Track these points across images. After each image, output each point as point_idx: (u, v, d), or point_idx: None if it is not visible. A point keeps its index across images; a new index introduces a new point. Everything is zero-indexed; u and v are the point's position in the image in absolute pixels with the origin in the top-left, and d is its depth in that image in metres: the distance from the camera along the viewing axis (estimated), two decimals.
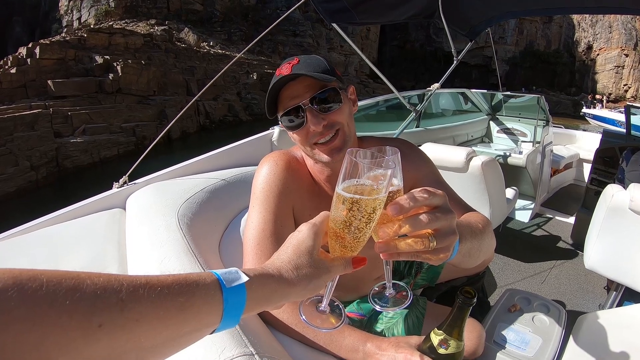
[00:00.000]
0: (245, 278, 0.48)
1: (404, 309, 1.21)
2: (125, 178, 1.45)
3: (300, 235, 0.59)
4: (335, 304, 0.66)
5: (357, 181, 0.56)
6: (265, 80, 20.61)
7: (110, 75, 16.07)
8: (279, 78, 0.88)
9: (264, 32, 2.02)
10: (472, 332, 1.15)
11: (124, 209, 1.34)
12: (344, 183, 0.57)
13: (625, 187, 1.75)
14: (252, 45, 2.00)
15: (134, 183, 1.45)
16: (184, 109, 1.88)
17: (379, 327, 1.18)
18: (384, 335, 1.15)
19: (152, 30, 20.98)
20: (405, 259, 0.61)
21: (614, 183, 1.90)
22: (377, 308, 0.69)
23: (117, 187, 1.43)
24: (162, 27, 21.45)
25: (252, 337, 0.72)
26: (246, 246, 0.94)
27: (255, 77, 20.80)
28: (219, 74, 2.03)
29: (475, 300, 0.74)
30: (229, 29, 25.35)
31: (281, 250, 0.58)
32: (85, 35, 17.49)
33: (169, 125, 1.84)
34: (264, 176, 0.99)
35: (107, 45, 17.62)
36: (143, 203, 1.26)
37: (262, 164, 1.02)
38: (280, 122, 0.97)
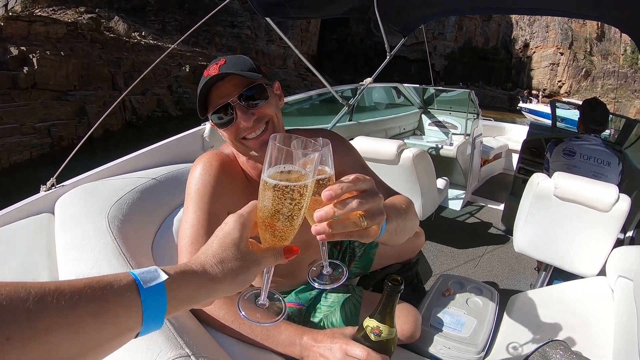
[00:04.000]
0: (164, 277, 0.46)
1: (341, 285, 1.32)
2: (52, 180, 1.40)
3: (226, 228, 0.58)
4: (275, 296, 0.66)
5: (283, 167, 0.57)
6: (198, 73, 20.00)
7: (25, 69, 14.74)
8: (208, 79, 0.95)
9: (199, 23, 2.03)
10: (408, 317, 1.27)
11: (53, 213, 1.31)
12: (269, 170, 0.57)
13: (550, 176, 1.95)
14: (187, 36, 1.99)
15: (62, 185, 1.41)
16: (113, 105, 1.83)
17: (318, 316, 1.26)
18: (323, 325, 1.23)
19: (79, 18, 19.56)
20: (340, 239, 0.67)
21: (540, 172, 2.13)
22: (317, 286, 0.75)
23: (45, 191, 1.38)
24: (90, 15, 20.06)
25: (188, 338, 0.74)
26: (180, 246, 0.97)
27: (188, 70, 20.06)
28: (151, 66, 2.00)
29: (402, 287, 0.81)
30: (164, 18, 24.32)
31: (207, 245, 0.57)
32: (2, 23, 15.91)
33: (100, 121, 1.79)
34: (198, 177, 1.02)
35: (26, 34, 16.07)
36: (72, 206, 1.25)
37: (196, 164, 1.06)
38: (210, 121, 1.03)
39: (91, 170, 1.51)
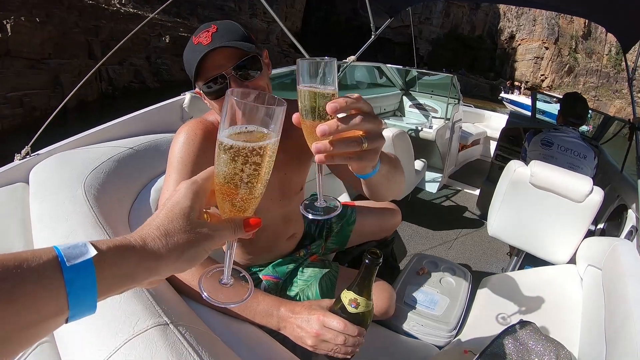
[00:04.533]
0: (92, 252, 0.39)
1: (317, 260, 1.34)
2: (27, 149, 1.36)
3: (176, 196, 0.51)
4: (241, 274, 0.62)
5: (245, 127, 0.51)
6: (179, 43, 19.28)
7: None
8: (200, 47, 0.92)
9: None
10: (382, 293, 1.31)
11: (27, 182, 1.28)
12: (227, 129, 0.51)
13: (527, 164, 2.00)
14: (169, 6, 1.93)
15: (37, 154, 1.37)
16: (87, 75, 1.78)
17: (294, 289, 1.28)
18: (299, 299, 1.25)
19: None
20: (339, 162, 0.63)
21: (518, 159, 2.19)
22: (310, 217, 0.72)
23: (19, 160, 1.35)
24: None
25: (166, 307, 0.75)
26: None
27: (167, 41, 19.41)
28: (130, 34, 1.94)
29: (381, 260, 0.84)
30: None
31: (153, 216, 0.50)
32: None
33: (74, 91, 1.74)
34: (181, 145, 1.00)
35: None
36: (47, 175, 1.22)
37: (179, 132, 1.04)
38: (198, 90, 1.01)
39: (67, 139, 1.47)
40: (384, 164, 0.81)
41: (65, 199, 1.04)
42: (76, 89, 1.76)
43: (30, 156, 1.36)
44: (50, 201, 1.05)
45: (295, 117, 0.64)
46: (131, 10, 20.18)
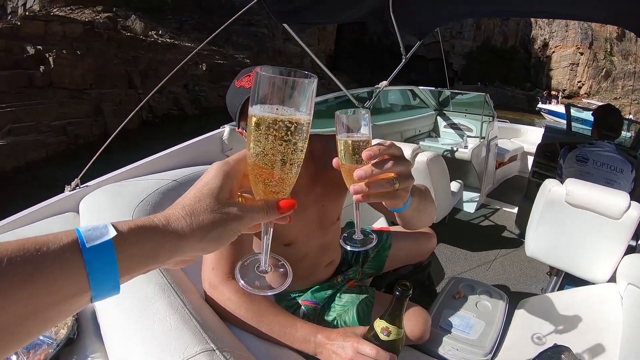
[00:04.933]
0: (112, 233, 0.40)
1: (355, 286, 1.39)
2: (77, 181, 1.47)
3: (206, 176, 0.51)
4: (281, 262, 0.60)
5: (276, 108, 0.49)
6: (215, 70, 20.09)
7: (42, 68, 15.04)
8: (248, 92, 1.00)
9: (226, 23, 2.09)
10: (418, 318, 1.32)
11: (77, 212, 1.36)
12: (258, 105, 0.49)
13: (562, 182, 1.97)
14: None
15: (86, 186, 1.47)
16: (135, 109, 1.91)
17: (332, 315, 1.33)
18: (336, 324, 1.30)
19: (96, 17, 19.93)
20: (375, 200, 0.72)
21: (554, 177, 2.15)
22: (348, 248, 0.80)
23: (69, 191, 1.45)
24: (107, 14, 20.41)
25: (212, 334, 0.79)
26: None
27: (204, 68, 20.25)
28: (177, 67, 2.05)
29: (410, 292, 0.89)
30: (181, 17, 24.60)
31: (182, 196, 0.50)
32: (19, 23, 16.12)
33: (121, 126, 1.86)
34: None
35: (42, 34, 16.25)
36: (97, 207, 1.30)
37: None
38: (240, 130, 1.09)
39: (114, 172, 1.58)
40: (415, 197, 0.87)
41: None
42: (122, 125, 1.86)
43: (80, 187, 1.47)
44: None
45: (335, 161, 0.75)
46: (168, 40, 21.19)
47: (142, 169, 1.64)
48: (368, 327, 0.96)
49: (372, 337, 0.92)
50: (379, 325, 0.92)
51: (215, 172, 0.51)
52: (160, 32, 21.59)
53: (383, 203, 0.78)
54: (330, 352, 0.93)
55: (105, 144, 1.64)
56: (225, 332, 0.90)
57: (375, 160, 0.68)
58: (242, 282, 0.55)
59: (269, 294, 0.57)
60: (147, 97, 2.07)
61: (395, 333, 0.91)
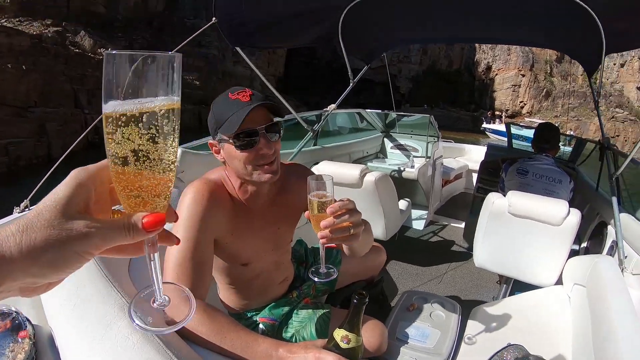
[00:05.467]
0: None
1: (311, 303, 1.48)
2: (26, 202, 1.42)
3: (58, 185, 0.43)
4: (181, 289, 0.53)
5: (136, 99, 0.41)
6: None
7: None
8: (247, 104, 1.06)
9: (181, 44, 2.08)
10: (374, 330, 1.37)
11: None
12: (112, 101, 0.42)
13: (505, 195, 2.09)
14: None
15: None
16: (92, 123, 1.84)
17: (290, 331, 1.37)
18: (295, 339, 1.34)
19: (44, 31, 18.98)
20: (336, 242, 0.98)
21: (497, 191, 2.28)
22: (316, 280, 1.05)
23: (18, 212, 1.40)
24: (56, 29, 19.49)
25: (175, 350, 0.81)
26: (167, 267, 1.04)
27: None
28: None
29: (367, 299, 0.95)
30: (131, 35, 23.97)
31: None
32: None
33: (79, 137, 1.79)
34: (189, 206, 1.10)
35: None
36: None
37: (187, 192, 1.13)
38: (213, 142, 1.14)
39: None
40: (362, 233, 1.06)
41: None
42: (74, 144, 1.81)
43: (29, 209, 1.42)
44: None
45: (306, 214, 0.99)
46: None
47: None
48: (327, 338, 1.00)
49: (332, 347, 0.96)
50: (339, 334, 0.96)
51: (67, 179, 0.42)
52: (109, 50, 20.95)
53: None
54: None
55: (56, 164, 1.59)
56: (187, 349, 0.91)
57: (336, 214, 0.93)
58: (136, 321, 0.47)
59: (169, 331, 0.49)
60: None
61: (354, 340, 0.95)
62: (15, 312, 0.93)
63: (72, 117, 15.75)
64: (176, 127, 0.44)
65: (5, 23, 18.69)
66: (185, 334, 0.97)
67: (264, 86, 2.77)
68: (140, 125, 0.41)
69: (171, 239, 0.48)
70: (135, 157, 0.42)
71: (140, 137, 0.42)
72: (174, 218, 0.48)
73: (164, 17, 26.59)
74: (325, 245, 1.00)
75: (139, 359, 0.76)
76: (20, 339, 0.88)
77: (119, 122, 0.41)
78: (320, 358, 0.93)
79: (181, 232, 1.07)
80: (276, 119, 1.14)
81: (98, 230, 0.40)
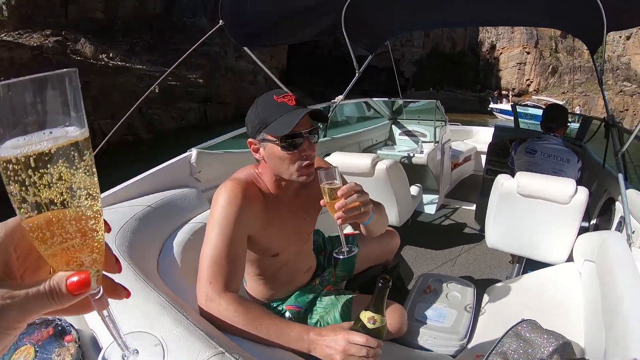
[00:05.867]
0: None
1: (333, 290, 1.59)
2: None
3: None
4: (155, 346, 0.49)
5: (31, 135, 0.35)
6: (168, 92, 19.62)
7: None
8: (293, 108, 1.17)
9: (192, 48, 2.18)
10: (394, 313, 1.44)
11: None
12: (9, 140, 0.35)
13: (513, 174, 2.14)
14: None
15: None
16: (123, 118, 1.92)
17: (315, 317, 1.45)
18: (319, 325, 1.42)
19: (45, 42, 19.13)
20: (351, 220, 1.15)
21: (506, 172, 2.30)
22: (340, 257, 1.25)
23: None
24: (56, 39, 19.63)
25: (218, 340, 0.87)
26: (203, 263, 1.11)
27: (157, 91, 19.82)
28: (147, 91, 2.10)
29: (390, 283, 1.04)
30: (131, 38, 24.01)
31: None
32: None
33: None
34: (224, 206, 1.16)
35: None
36: None
37: (221, 193, 1.19)
38: (276, 140, 1.18)
39: None
40: (375, 213, 1.26)
41: None
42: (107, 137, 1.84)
43: None
44: None
45: (322, 202, 1.14)
46: (119, 63, 20.66)
47: (113, 198, 1.66)
48: (352, 321, 1.07)
49: (359, 328, 1.04)
50: (365, 315, 1.04)
51: None
52: (110, 55, 21.00)
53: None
54: (324, 346, 1.03)
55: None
56: (226, 339, 0.97)
57: (346, 195, 1.09)
58: None
59: None
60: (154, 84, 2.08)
61: (379, 321, 1.03)
62: (58, 318, 0.96)
63: None
64: (89, 161, 0.38)
65: (5, 37, 18.91)
66: (221, 327, 1.03)
67: (268, 80, 2.83)
68: (35, 169, 0.35)
69: (119, 292, 0.43)
70: (38, 207, 0.36)
71: (38, 183, 0.35)
72: (117, 269, 0.44)
73: (163, 18, 26.58)
74: (344, 233, 1.11)
75: (186, 349, 0.81)
76: (66, 343, 0.92)
77: (10, 167, 0.35)
78: (349, 338, 1.00)
79: (216, 230, 1.14)
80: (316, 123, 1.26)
81: (14, 301, 0.34)
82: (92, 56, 20.40)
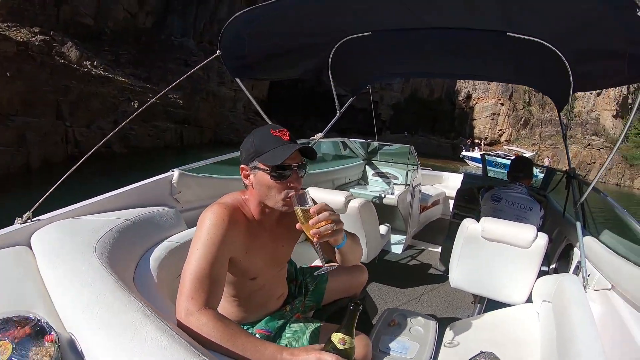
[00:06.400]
0: None
1: (301, 317, 1.68)
2: (29, 214, 1.48)
3: None
4: None
5: None
6: (147, 109, 19.33)
7: None
8: (288, 142, 1.30)
9: (188, 73, 2.27)
10: (359, 342, 1.51)
11: (28, 246, 1.38)
12: None
13: (479, 220, 2.27)
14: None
15: (38, 219, 1.49)
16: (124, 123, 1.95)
17: (283, 342, 1.52)
18: None
19: (32, 39, 18.71)
20: (326, 238, 1.22)
21: (472, 217, 2.42)
22: (322, 272, 1.32)
23: (20, 223, 1.45)
24: (43, 37, 19.25)
25: (201, 350, 0.93)
26: (185, 279, 1.16)
27: (136, 106, 19.16)
28: (146, 104, 2.15)
29: (361, 307, 1.14)
30: (118, 49, 23.82)
31: None
32: None
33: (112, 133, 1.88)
34: (210, 228, 1.23)
35: None
36: (52, 242, 1.33)
37: (206, 216, 1.26)
38: (267, 169, 1.27)
39: (66, 208, 1.60)
40: (348, 238, 1.40)
41: (82, 266, 1.17)
42: (122, 124, 1.87)
43: (31, 221, 1.48)
44: (66, 266, 1.17)
45: (297, 225, 1.24)
46: (102, 72, 20.37)
47: (92, 207, 1.68)
48: (324, 343, 1.15)
49: (330, 349, 1.12)
50: (336, 337, 1.12)
51: None
52: (95, 63, 20.70)
53: (329, 242, 1.29)
54: None
55: (68, 172, 1.69)
56: (205, 350, 1.01)
57: (318, 212, 1.20)
58: None
59: None
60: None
61: (349, 342, 1.12)
62: (38, 318, 0.96)
63: (53, 129, 15.43)
64: None
65: None
66: (199, 340, 1.07)
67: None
68: None
69: None
70: None
71: None
72: None
73: (152, 34, 26.59)
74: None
75: (172, 357, 0.85)
76: (46, 343, 0.92)
77: None
78: (320, 357, 1.07)
79: (201, 250, 1.20)
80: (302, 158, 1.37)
81: None
82: (77, 61, 20.01)
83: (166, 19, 27.87)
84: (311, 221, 1.19)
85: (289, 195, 1.28)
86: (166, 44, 25.71)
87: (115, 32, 24.91)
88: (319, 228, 1.19)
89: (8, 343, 0.89)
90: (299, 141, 1.39)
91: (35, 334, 0.93)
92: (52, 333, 0.94)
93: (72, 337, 0.98)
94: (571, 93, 2.49)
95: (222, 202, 1.34)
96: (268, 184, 1.29)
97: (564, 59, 2.30)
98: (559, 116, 3.06)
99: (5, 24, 19.37)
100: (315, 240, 1.20)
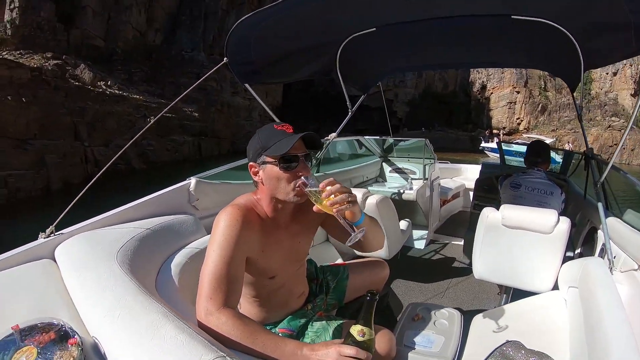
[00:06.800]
0: None
1: (330, 274, 1.82)
2: (52, 228, 1.54)
3: None
4: None
5: None
6: (163, 124, 19.40)
7: None
8: (291, 134, 1.31)
9: (195, 84, 2.33)
10: (383, 337, 1.50)
11: (52, 259, 1.43)
12: None
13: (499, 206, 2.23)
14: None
15: (61, 233, 1.55)
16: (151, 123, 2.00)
17: (306, 340, 1.52)
18: None
19: (45, 64, 19.36)
20: (344, 208, 1.22)
21: (492, 206, 2.37)
22: (351, 242, 1.28)
23: (44, 238, 1.51)
24: (56, 62, 19.90)
25: (219, 346, 0.94)
26: (203, 280, 1.19)
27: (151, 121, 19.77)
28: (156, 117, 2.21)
29: (377, 296, 1.14)
30: (130, 68, 24.39)
31: None
32: None
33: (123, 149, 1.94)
34: (224, 229, 1.26)
35: None
36: (75, 253, 1.39)
37: (220, 218, 1.29)
38: (275, 161, 1.30)
39: (86, 221, 1.66)
40: (366, 216, 1.37)
41: (104, 273, 1.22)
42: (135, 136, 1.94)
43: (54, 235, 1.54)
44: (89, 274, 1.22)
45: (315, 208, 1.25)
46: (116, 91, 20.87)
47: (113, 219, 1.73)
48: (344, 338, 1.16)
49: (350, 341, 1.13)
50: (355, 329, 1.13)
51: None
52: (109, 83, 21.22)
53: (348, 217, 1.30)
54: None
55: (84, 190, 1.75)
56: (224, 348, 1.03)
57: (328, 184, 1.22)
58: None
59: None
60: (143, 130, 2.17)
61: (368, 334, 1.13)
62: (62, 324, 1.01)
63: (72, 150, 15.85)
64: None
65: (7, 55, 19.06)
66: (219, 339, 1.09)
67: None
68: None
69: None
70: None
71: None
72: None
73: (162, 50, 27.12)
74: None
75: (190, 355, 0.86)
76: (69, 346, 0.96)
77: None
78: (340, 351, 1.09)
79: (217, 251, 1.23)
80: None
81: None
82: (91, 82, 20.56)
83: (175, 34, 28.42)
84: (324, 194, 1.21)
85: (298, 184, 1.29)
86: (177, 59, 26.16)
87: (126, 51, 25.50)
88: (335, 199, 1.20)
89: (33, 348, 0.94)
90: None
91: (60, 338, 0.98)
92: (75, 336, 0.99)
93: (95, 340, 1.02)
94: (582, 71, 2.44)
95: (235, 204, 1.37)
96: (277, 175, 1.31)
97: (571, 36, 2.26)
98: (572, 97, 3.00)
99: (18, 52, 20.06)
100: (335, 211, 1.21)
